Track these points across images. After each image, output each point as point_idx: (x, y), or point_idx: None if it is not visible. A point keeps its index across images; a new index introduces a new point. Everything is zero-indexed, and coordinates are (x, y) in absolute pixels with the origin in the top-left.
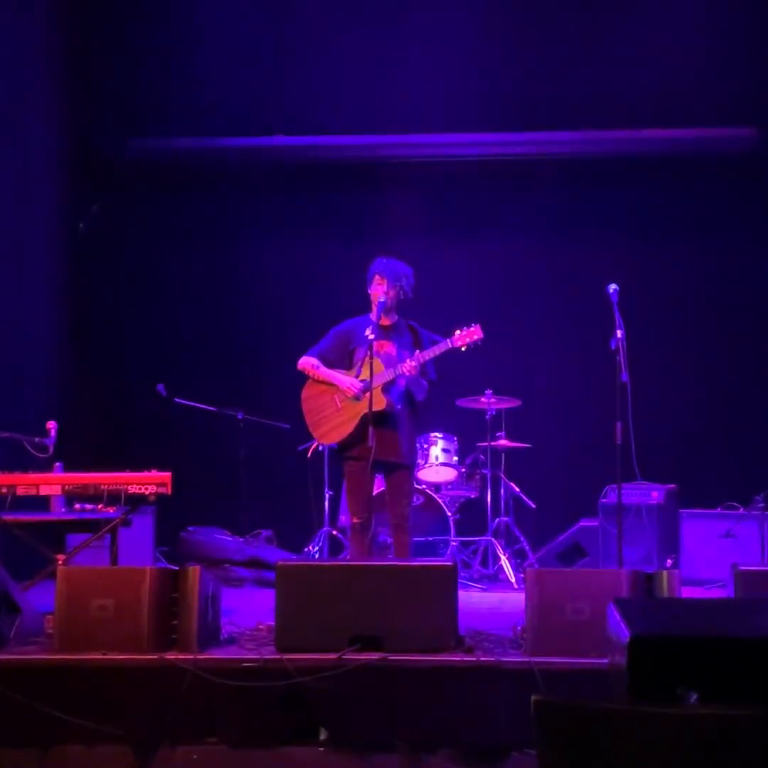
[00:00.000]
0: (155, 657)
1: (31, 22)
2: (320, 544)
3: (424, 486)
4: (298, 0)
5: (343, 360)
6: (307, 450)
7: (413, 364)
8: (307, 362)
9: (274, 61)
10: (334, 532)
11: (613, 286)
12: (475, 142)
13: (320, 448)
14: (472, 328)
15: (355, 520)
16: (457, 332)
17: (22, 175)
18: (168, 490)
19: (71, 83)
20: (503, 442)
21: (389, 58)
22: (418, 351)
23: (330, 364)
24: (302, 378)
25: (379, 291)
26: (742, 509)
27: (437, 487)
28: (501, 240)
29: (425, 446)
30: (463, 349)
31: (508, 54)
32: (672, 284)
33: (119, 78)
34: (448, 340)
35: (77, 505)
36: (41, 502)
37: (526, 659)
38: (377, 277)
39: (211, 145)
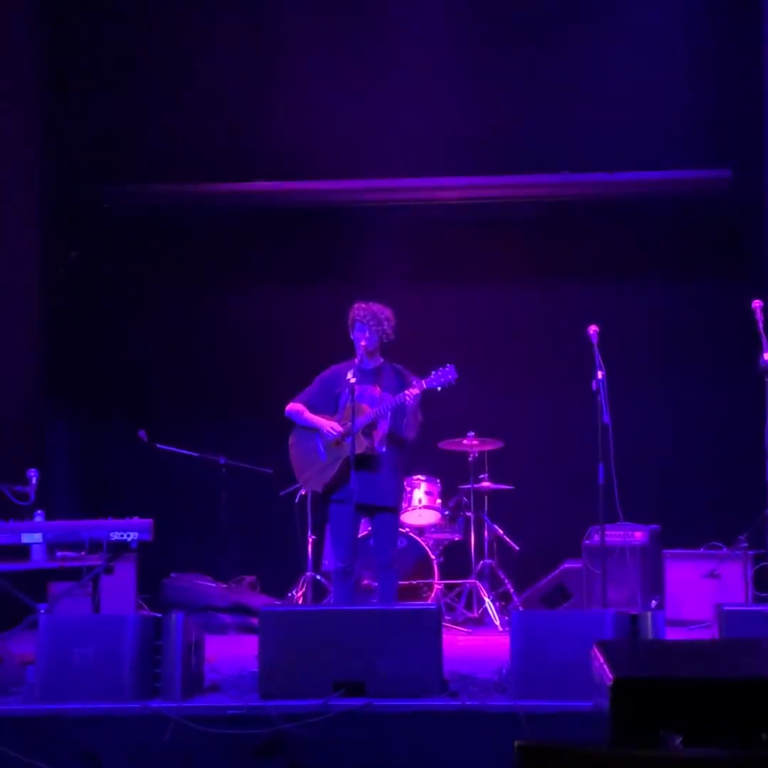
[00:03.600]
0: (138, 705)
1: (6, 67)
2: (304, 589)
3: (407, 529)
4: (276, 45)
5: (328, 405)
6: (289, 495)
7: (415, 392)
8: (292, 408)
9: (253, 106)
10: (318, 577)
11: (592, 328)
12: (453, 185)
13: (302, 491)
14: (446, 369)
15: (339, 565)
16: (432, 373)
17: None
18: (150, 536)
19: (47, 130)
20: (486, 484)
21: (368, 104)
22: (407, 389)
23: (315, 410)
24: (286, 422)
25: (360, 336)
26: (725, 549)
27: (420, 530)
28: (481, 282)
29: (408, 489)
30: (438, 389)
31: (486, 98)
32: (652, 325)
33: (96, 125)
34: (422, 381)
35: (59, 554)
36: (22, 551)
37: (511, 703)
38: (358, 322)
39: (189, 191)
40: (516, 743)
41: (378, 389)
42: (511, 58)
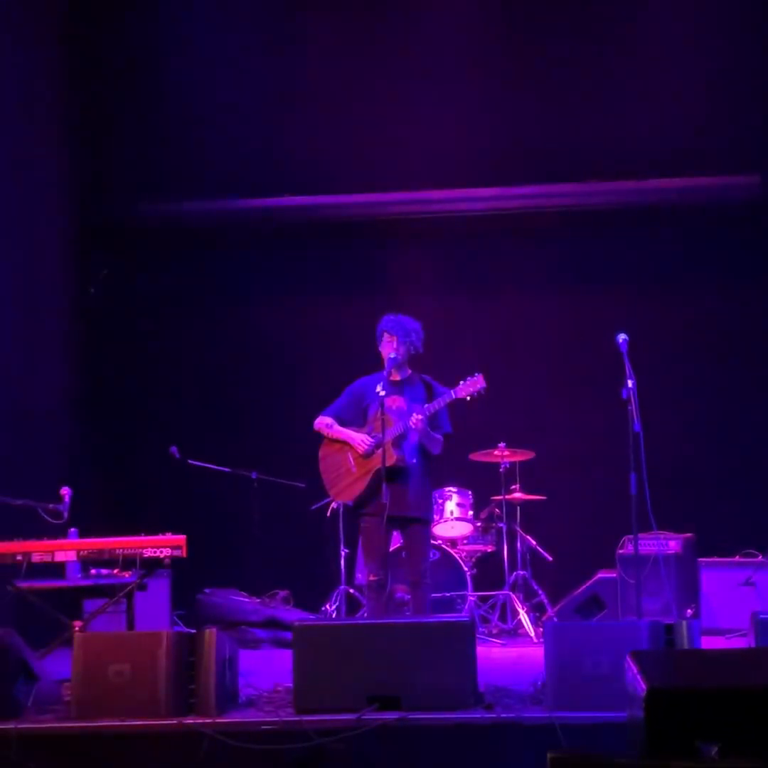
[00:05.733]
0: (173, 722)
1: (40, 86)
2: (337, 603)
3: (439, 541)
4: (302, 60)
5: (357, 418)
6: (321, 509)
7: (419, 417)
8: (321, 422)
9: (280, 122)
10: (351, 591)
11: (622, 336)
12: (479, 196)
13: (334, 505)
14: (474, 378)
15: (371, 578)
16: (460, 383)
17: (31, 240)
18: (183, 552)
19: (79, 148)
20: (518, 495)
21: (390, 117)
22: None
23: (345, 423)
24: (316, 436)
25: (389, 348)
26: (761, 556)
27: (453, 542)
28: (509, 292)
29: (440, 501)
30: (467, 398)
31: (511, 108)
32: (681, 332)
33: (126, 143)
34: (451, 391)
35: (93, 571)
36: (57, 569)
37: (547, 714)
38: (386, 334)
39: (219, 208)
40: (549, 754)
41: (405, 401)
42: (536, 66)
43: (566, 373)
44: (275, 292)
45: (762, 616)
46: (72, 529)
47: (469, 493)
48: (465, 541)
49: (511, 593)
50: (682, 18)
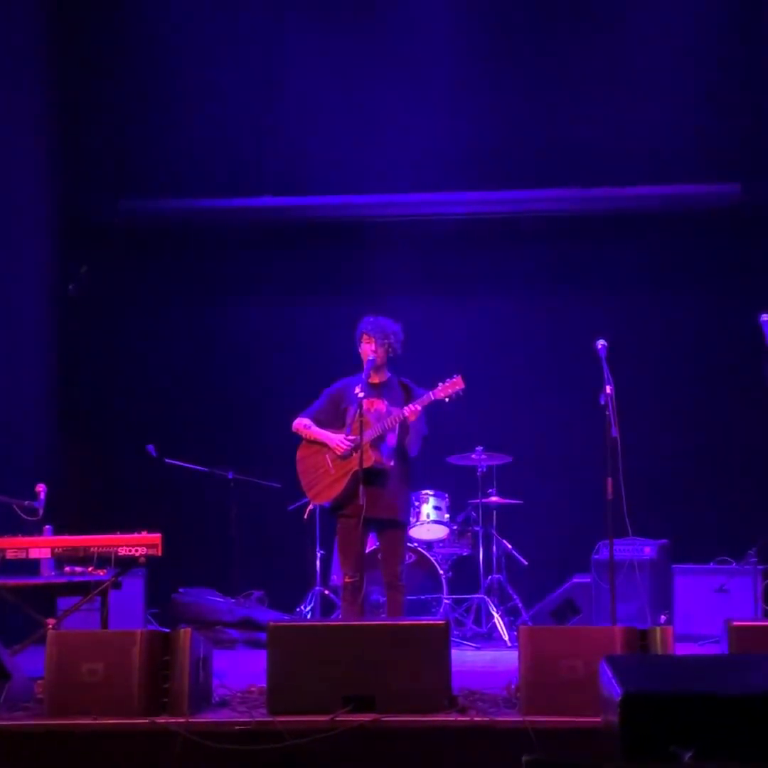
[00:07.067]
0: (146, 721)
1: (21, 82)
2: (312, 604)
3: (415, 544)
4: (284, 62)
5: (335, 420)
6: (297, 509)
7: (417, 408)
8: (299, 423)
9: (261, 123)
10: (326, 592)
11: (601, 342)
12: (460, 200)
13: (310, 506)
14: (454, 379)
15: (347, 580)
16: (439, 384)
17: (11, 237)
18: (158, 551)
19: (60, 145)
20: (495, 498)
21: (374, 119)
22: (412, 403)
23: (323, 425)
24: (294, 437)
25: (368, 350)
26: (734, 564)
27: (429, 544)
28: (488, 297)
29: (417, 504)
30: (446, 400)
31: (493, 113)
32: (660, 339)
33: (108, 140)
34: (430, 393)
35: (67, 568)
36: (31, 566)
37: (520, 718)
38: (365, 336)
39: (199, 206)
40: (524, 759)
41: (384, 403)
42: (520, 73)
43: (545, 377)
44: (255, 291)
45: (735, 622)
46: (47, 526)
47: (446, 496)
48: (441, 544)
49: (486, 597)
50: (666, 29)
